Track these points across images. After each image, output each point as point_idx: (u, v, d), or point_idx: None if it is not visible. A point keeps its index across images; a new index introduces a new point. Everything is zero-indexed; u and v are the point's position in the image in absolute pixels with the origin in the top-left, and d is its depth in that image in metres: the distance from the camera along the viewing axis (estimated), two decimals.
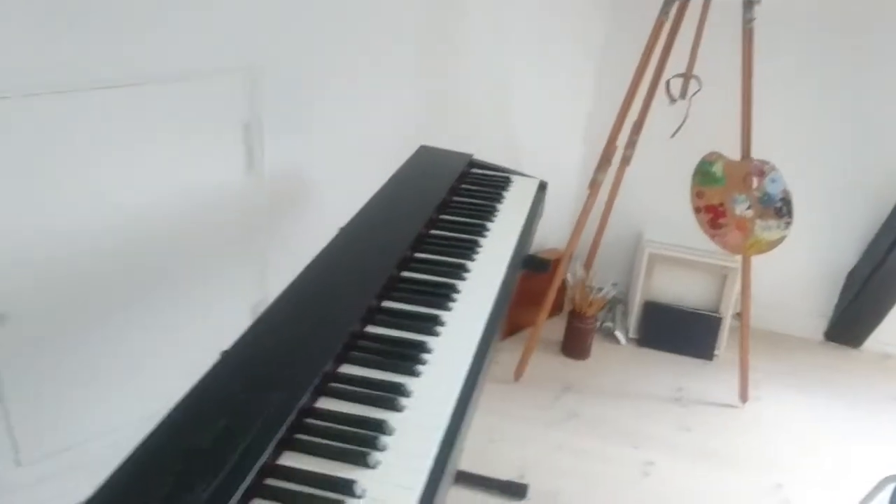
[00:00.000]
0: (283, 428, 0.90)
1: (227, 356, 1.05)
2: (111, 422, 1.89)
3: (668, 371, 2.68)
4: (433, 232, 1.53)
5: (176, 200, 1.84)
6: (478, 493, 2.03)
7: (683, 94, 2.28)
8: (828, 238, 2.81)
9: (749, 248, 2.31)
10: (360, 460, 0.89)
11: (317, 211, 2.20)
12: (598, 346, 2.76)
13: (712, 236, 2.35)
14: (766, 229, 2.26)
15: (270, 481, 0.86)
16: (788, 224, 2.23)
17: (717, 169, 2.27)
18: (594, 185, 2.37)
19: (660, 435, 2.35)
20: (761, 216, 2.25)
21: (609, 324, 2.87)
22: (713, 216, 2.31)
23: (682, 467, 2.22)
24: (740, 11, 2.09)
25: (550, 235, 2.96)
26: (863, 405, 2.60)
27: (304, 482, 0.86)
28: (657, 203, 2.87)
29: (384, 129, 2.29)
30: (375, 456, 0.90)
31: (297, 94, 2.03)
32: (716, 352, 2.77)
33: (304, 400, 0.96)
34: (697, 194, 2.33)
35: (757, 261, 2.38)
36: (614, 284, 2.70)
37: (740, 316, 2.45)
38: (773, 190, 2.22)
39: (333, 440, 0.93)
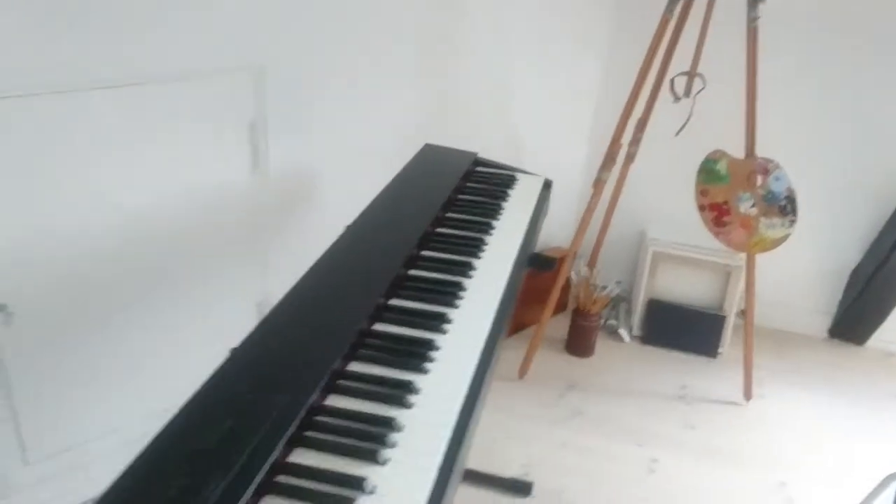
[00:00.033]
0: (294, 425, 0.91)
1: (236, 353, 1.05)
2: (116, 420, 1.90)
3: (672, 369, 2.69)
4: (439, 230, 1.53)
5: (180, 200, 1.85)
6: (483, 490, 2.03)
7: (688, 93, 2.29)
8: (831, 236, 2.81)
9: (753, 246, 2.31)
10: (371, 457, 0.90)
11: (320, 209, 2.20)
12: (601, 344, 2.76)
13: (716, 234, 2.35)
14: (770, 227, 2.26)
15: (281, 478, 0.87)
16: (793, 222, 2.24)
17: (722, 167, 2.28)
18: (598, 184, 2.37)
19: (664, 432, 2.35)
20: (765, 214, 2.26)
21: (613, 322, 2.87)
22: (717, 214, 2.32)
23: (686, 465, 2.22)
24: (744, 10, 2.09)
25: (554, 234, 2.96)
26: (866, 403, 2.60)
27: (314, 479, 0.87)
28: (661, 201, 2.88)
29: (387, 128, 2.29)
30: (385, 453, 0.91)
31: (301, 93, 2.03)
32: (719, 350, 2.77)
33: (313, 397, 0.96)
34: (702, 192, 2.33)
35: (761, 259, 2.38)
36: (618, 282, 2.71)
37: (744, 314, 2.45)
38: (778, 188, 2.22)
39: (343, 437, 0.93)
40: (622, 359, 2.73)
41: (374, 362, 1.09)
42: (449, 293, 1.28)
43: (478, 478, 2.05)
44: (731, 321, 2.75)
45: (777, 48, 2.49)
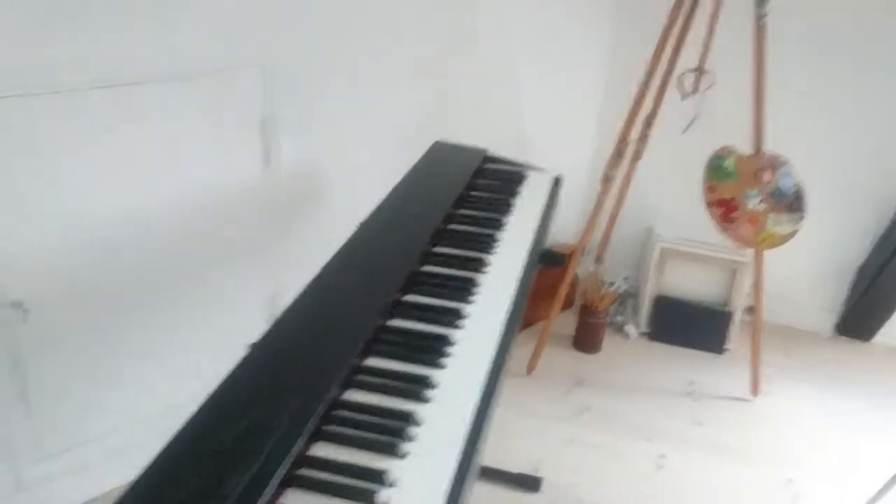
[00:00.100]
0: (314, 419, 0.92)
1: (254, 349, 1.06)
2: (130, 416, 1.91)
3: (680, 365, 2.69)
4: (451, 227, 1.54)
5: (192, 198, 1.86)
6: (492, 485, 2.05)
7: (696, 89, 2.29)
8: (838, 233, 2.82)
9: (761, 242, 2.32)
10: (390, 450, 0.91)
11: (330, 206, 2.21)
12: (609, 341, 2.77)
13: (724, 231, 2.36)
14: (778, 223, 2.27)
15: (303, 471, 0.88)
16: (801, 218, 2.24)
17: (730, 164, 2.28)
18: (606, 181, 2.38)
19: (672, 429, 2.36)
20: (773, 210, 2.26)
21: (620, 318, 2.88)
22: (725, 210, 2.32)
23: (694, 461, 2.23)
24: (752, 6, 2.09)
25: (561, 230, 2.96)
26: (873, 399, 2.61)
27: (335, 472, 0.88)
28: (668, 198, 2.88)
29: (395, 125, 2.30)
30: (405, 446, 0.92)
31: (310, 90, 2.04)
32: (727, 346, 2.78)
33: (332, 392, 0.98)
34: (709, 189, 2.33)
35: (767, 255, 2.38)
36: (626, 279, 2.72)
37: (752, 310, 2.46)
38: (786, 184, 2.22)
39: (363, 431, 0.94)
40: (630, 355, 2.73)
41: (391, 357, 1.10)
42: (463, 289, 1.29)
43: (487, 473, 2.06)
44: (738, 317, 2.75)
45: (785, 44, 2.49)
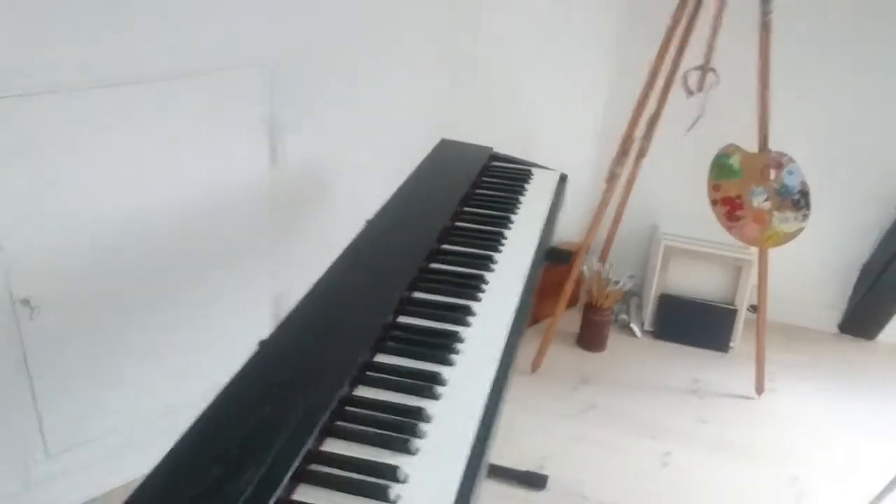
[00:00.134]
0: (325, 415, 0.92)
1: (265, 346, 1.06)
2: (137, 413, 1.92)
3: (684, 363, 2.70)
4: (458, 224, 1.54)
5: (198, 195, 1.86)
6: (498, 483, 2.05)
7: (701, 87, 2.29)
8: (842, 231, 2.82)
9: (766, 240, 2.32)
10: (401, 447, 0.91)
11: (336, 204, 2.22)
12: (613, 339, 2.77)
13: (729, 229, 2.36)
14: (783, 221, 2.27)
15: (315, 467, 0.88)
16: (806, 216, 2.24)
17: (735, 161, 2.28)
18: (611, 178, 2.38)
19: (677, 426, 2.36)
20: (779, 208, 2.26)
21: (624, 316, 2.88)
22: (730, 209, 2.32)
23: (699, 458, 2.23)
24: (757, 4, 2.09)
25: (564, 228, 2.97)
26: (877, 397, 2.61)
27: (347, 468, 0.88)
28: (672, 196, 2.88)
29: (401, 123, 2.30)
30: (415, 443, 0.92)
31: (316, 88, 2.04)
32: (731, 344, 2.78)
33: (343, 388, 0.98)
34: (714, 187, 2.33)
35: (771, 253, 2.39)
36: (631, 276, 2.72)
37: (756, 308, 2.46)
38: (791, 182, 2.23)
39: (374, 427, 0.94)
40: (634, 353, 2.74)
41: (401, 354, 1.10)
42: (471, 286, 1.29)
43: (493, 471, 2.06)
44: (743, 315, 2.75)
45: (790, 42, 2.49)
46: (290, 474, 0.83)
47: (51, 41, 1.52)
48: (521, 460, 2.13)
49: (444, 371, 1.06)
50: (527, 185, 1.78)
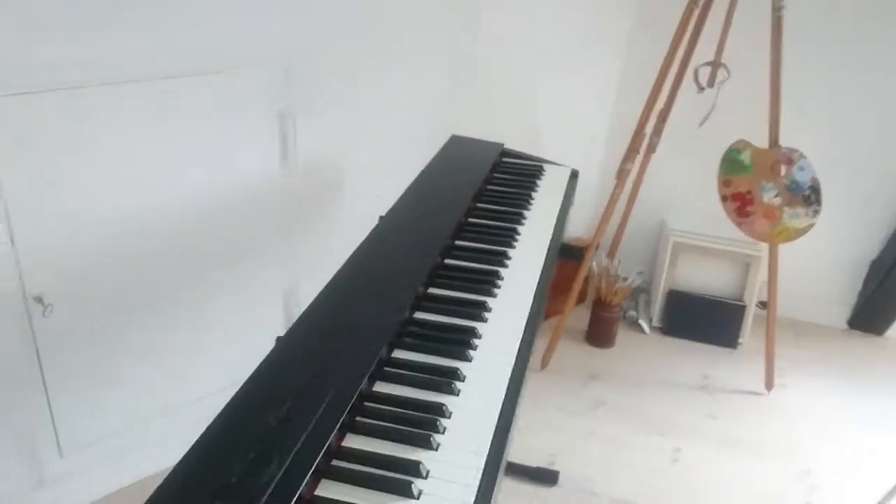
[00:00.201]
0: (345, 411, 0.92)
1: (282, 342, 1.06)
2: (150, 410, 1.92)
3: (693, 359, 2.69)
4: (471, 220, 1.54)
5: (210, 191, 1.86)
6: (510, 479, 2.05)
7: (711, 83, 2.28)
8: (851, 226, 2.81)
9: (777, 236, 2.31)
10: (423, 442, 0.91)
11: (347, 199, 2.22)
12: (622, 335, 2.77)
13: (739, 224, 2.35)
14: (794, 217, 2.26)
15: (336, 463, 0.88)
16: (817, 212, 2.24)
17: (745, 157, 2.28)
18: (622, 174, 2.37)
19: (686, 422, 2.36)
20: (789, 204, 2.26)
21: (632, 313, 2.88)
22: (741, 204, 2.32)
23: (709, 454, 2.23)
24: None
25: (573, 225, 2.96)
26: (887, 393, 2.60)
27: (369, 464, 0.88)
28: (681, 191, 2.88)
29: (411, 119, 2.30)
30: (436, 438, 0.92)
31: (328, 84, 2.04)
32: (740, 340, 2.78)
33: (362, 384, 0.98)
34: (724, 183, 2.33)
35: (781, 249, 2.38)
36: (640, 273, 2.71)
37: (766, 304, 2.46)
38: (802, 178, 2.22)
39: (394, 423, 0.94)
40: (643, 350, 2.73)
41: (418, 350, 1.10)
42: (487, 282, 1.29)
43: (505, 467, 2.06)
44: (752, 311, 2.75)
45: (801, 38, 2.48)
46: (311, 470, 0.83)
47: (79, 38, 1.52)
48: (532, 456, 2.13)
49: (462, 367, 1.06)
50: (538, 182, 1.78)
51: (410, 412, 0.96)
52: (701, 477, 2.14)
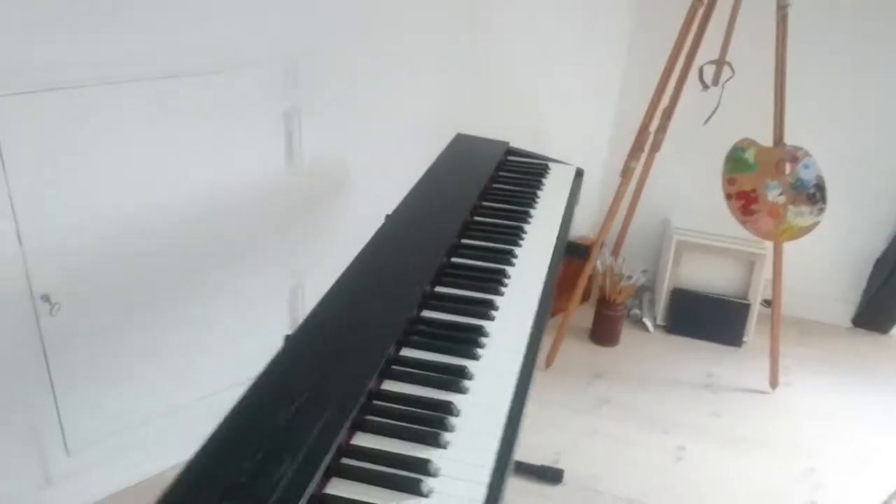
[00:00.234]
0: (355, 409, 0.92)
1: (290, 341, 1.07)
2: (156, 408, 1.93)
3: (697, 358, 2.69)
4: (477, 219, 1.54)
5: (215, 190, 1.86)
6: (514, 478, 2.05)
7: (716, 81, 2.28)
8: (855, 225, 2.81)
9: (781, 234, 2.31)
10: (432, 440, 0.91)
11: (352, 198, 2.22)
12: (626, 334, 2.77)
13: (744, 223, 2.35)
14: (798, 215, 2.26)
15: (346, 461, 0.88)
16: (822, 210, 2.23)
17: (750, 155, 2.28)
18: (626, 172, 2.38)
19: (691, 421, 2.36)
20: (794, 202, 2.26)
21: (636, 311, 2.88)
22: (745, 203, 2.32)
23: (713, 452, 2.23)
24: None
25: (577, 223, 2.96)
26: (891, 391, 2.60)
27: (379, 462, 0.88)
28: (685, 190, 2.88)
29: (417, 118, 2.30)
30: (445, 436, 0.92)
31: (333, 83, 2.04)
32: (744, 338, 2.78)
33: (371, 382, 0.98)
34: (729, 181, 2.33)
35: (785, 247, 2.38)
36: (644, 271, 2.71)
37: (770, 302, 2.46)
38: (807, 176, 2.22)
39: (403, 421, 0.95)
40: (647, 348, 2.73)
41: (427, 349, 1.10)
42: (494, 280, 1.29)
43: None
44: (756, 310, 2.75)
45: (806, 36, 2.48)
46: (322, 468, 0.83)
47: (83, 36, 1.52)
48: (536, 455, 2.14)
49: (470, 365, 1.06)
50: (544, 180, 1.78)
51: (419, 410, 0.96)
52: (705, 475, 2.15)
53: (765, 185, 2.27)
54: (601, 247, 2.56)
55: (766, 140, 2.26)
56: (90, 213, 1.64)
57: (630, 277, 2.65)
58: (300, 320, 2.12)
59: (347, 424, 0.90)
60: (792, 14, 2.12)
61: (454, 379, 1.02)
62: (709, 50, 2.30)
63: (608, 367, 2.61)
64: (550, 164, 1.88)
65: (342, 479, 0.86)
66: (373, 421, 0.95)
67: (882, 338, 2.91)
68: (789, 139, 2.23)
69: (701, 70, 2.30)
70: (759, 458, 2.23)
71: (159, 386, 1.92)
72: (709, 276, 2.80)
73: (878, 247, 2.82)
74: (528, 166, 1.84)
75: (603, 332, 2.72)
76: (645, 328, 2.83)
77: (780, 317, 2.44)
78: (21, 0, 1.42)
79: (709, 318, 2.78)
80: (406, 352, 1.09)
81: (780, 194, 2.26)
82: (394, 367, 1.05)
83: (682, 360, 2.68)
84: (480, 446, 0.93)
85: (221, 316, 1.99)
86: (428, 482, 0.85)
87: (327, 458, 0.84)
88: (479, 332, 1.14)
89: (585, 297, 2.93)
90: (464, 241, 1.44)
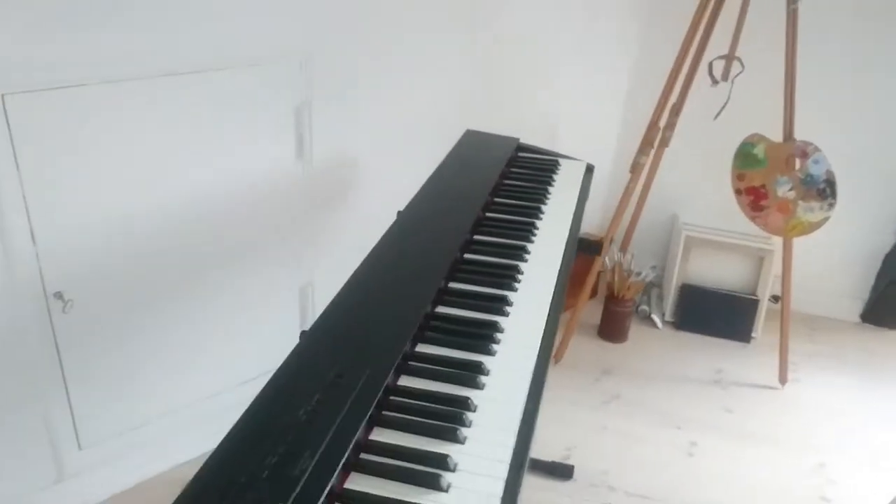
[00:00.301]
0: (372, 405, 0.93)
1: (306, 337, 1.07)
2: (168, 404, 1.93)
3: (706, 353, 2.69)
4: (489, 215, 1.54)
5: (225, 187, 1.86)
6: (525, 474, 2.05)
7: (726, 76, 2.28)
8: (864, 220, 2.80)
9: (791, 229, 2.31)
10: (450, 436, 0.92)
11: (362, 195, 2.22)
12: (634, 330, 2.77)
13: (753, 218, 2.35)
14: (808, 211, 2.26)
15: (365, 456, 0.88)
16: (832, 205, 2.23)
17: (759, 151, 2.27)
18: (636, 168, 2.37)
19: (701, 417, 2.36)
20: (804, 198, 2.25)
21: (645, 307, 2.88)
22: (754, 198, 2.31)
23: (725, 448, 2.23)
24: None
25: (584, 219, 2.96)
26: None
27: (397, 457, 0.88)
28: (693, 186, 2.87)
29: (425, 113, 2.30)
30: (463, 431, 0.93)
31: (345, 80, 2.04)
32: (753, 334, 2.77)
33: (388, 378, 0.98)
34: (738, 177, 2.32)
35: (794, 243, 2.37)
36: (653, 267, 2.71)
37: (779, 298, 2.45)
38: (817, 171, 2.21)
39: (420, 417, 0.95)
40: (656, 344, 2.73)
41: (442, 344, 1.10)
42: (507, 276, 1.30)
43: None
44: (765, 306, 2.74)
45: (815, 32, 2.47)
46: (341, 463, 0.83)
47: (97, 33, 1.53)
48: (546, 451, 2.14)
49: (486, 361, 1.07)
50: (555, 176, 1.78)
51: (436, 406, 0.97)
52: (717, 470, 2.15)
53: (775, 180, 2.27)
54: (611, 242, 2.56)
55: (776, 135, 2.26)
56: (100, 212, 1.64)
57: (639, 273, 2.65)
58: (311, 318, 2.14)
59: (365, 420, 0.90)
60: (803, 10, 2.11)
61: (470, 374, 1.03)
62: (718, 45, 2.29)
63: (617, 363, 2.61)
64: (561, 160, 1.88)
65: (361, 474, 0.86)
66: (391, 416, 0.95)
67: (891, 333, 2.90)
68: (799, 134, 2.22)
69: (711, 65, 2.30)
70: (769, 453, 2.23)
71: (171, 382, 1.92)
72: (717, 272, 2.80)
73: (886, 242, 2.81)
74: (538, 162, 1.84)
75: (611, 329, 2.72)
76: (653, 324, 2.83)
77: (790, 313, 2.44)
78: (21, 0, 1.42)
79: (717, 315, 2.77)
80: (422, 347, 1.10)
81: (790, 190, 2.26)
82: (410, 362, 1.06)
83: (690, 356, 2.68)
84: (498, 441, 0.93)
85: (232, 314, 1.99)
86: (447, 477, 0.85)
87: (346, 453, 0.84)
88: (494, 327, 1.14)
89: (594, 294, 2.93)
90: (476, 237, 1.44)
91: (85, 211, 1.61)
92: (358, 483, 0.85)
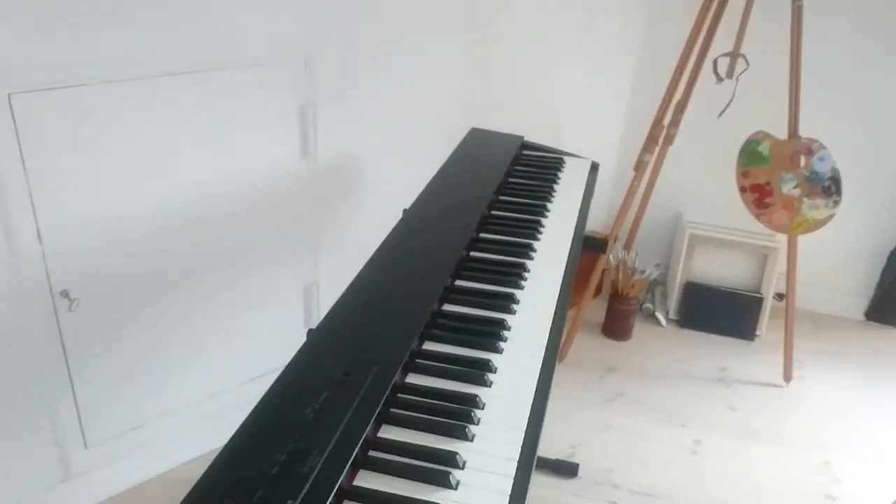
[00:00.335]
0: (380, 403, 0.93)
1: (313, 336, 1.07)
2: (173, 402, 1.93)
3: (711, 351, 2.69)
4: (495, 213, 1.54)
5: (230, 186, 1.87)
6: None
7: (730, 74, 2.27)
8: (869, 218, 2.80)
9: (796, 227, 2.31)
10: (458, 433, 0.92)
11: (367, 194, 2.22)
12: (638, 328, 2.77)
13: (758, 216, 2.35)
14: (813, 208, 2.25)
15: (373, 454, 0.88)
16: (837, 203, 2.23)
17: (764, 148, 2.27)
18: (640, 166, 2.37)
19: (705, 414, 2.36)
20: (809, 195, 2.25)
21: (649, 305, 2.88)
22: (759, 196, 2.31)
23: (730, 446, 2.23)
24: None
25: (589, 217, 2.96)
26: None
27: (406, 454, 0.88)
28: (697, 183, 2.87)
29: (429, 111, 2.30)
30: (471, 429, 0.93)
31: (349, 79, 2.04)
32: (757, 332, 2.77)
33: (396, 376, 0.98)
34: (743, 174, 2.32)
35: (798, 240, 2.37)
36: (657, 265, 2.71)
37: (784, 296, 2.45)
38: (822, 168, 2.21)
39: (429, 414, 0.95)
40: (660, 342, 2.73)
41: (449, 342, 1.10)
42: (514, 274, 1.30)
43: None
44: (769, 303, 2.74)
45: (816, 32, 2.47)
46: (350, 460, 0.83)
47: (100, 33, 1.53)
48: (551, 448, 2.14)
49: (493, 358, 1.07)
50: (559, 174, 1.78)
51: (444, 403, 0.97)
52: (720, 469, 2.15)
53: (779, 177, 2.27)
54: (615, 240, 2.56)
55: (781, 133, 2.25)
56: (103, 212, 1.65)
57: (643, 271, 2.65)
58: (317, 317, 2.14)
59: (374, 417, 0.90)
60: (807, 7, 2.11)
61: (478, 372, 1.03)
62: (723, 42, 2.29)
63: (621, 361, 2.61)
64: (565, 158, 1.88)
65: (370, 472, 0.86)
66: (399, 414, 0.95)
67: (895, 331, 2.90)
68: (804, 132, 2.22)
69: (715, 62, 2.29)
70: (774, 451, 2.23)
71: (177, 381, 1.92)
72: (722, 269, 2.80)
73: (892, 240, 2.81)
74: (543, 160, 1.84)
75: (615, 326, 2.72)
76: (657, 322, 2.83)
77: (794, 310, 2.44)
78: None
79: (721, 312, 2.77)
80: (429, 345, 1.10)
81: (795, 187, 2.26)
82: (418, 360, 1.06)
83: (694, 353, 2.68)
84: (506, 439, 0.93)
85: (238, 313, 1.99)
86: (456, 474, 0.85)
87: (355, 451, 0.84)
88: (501, 325, 1.15)
89: (598, 292, 2.93)
90: (482, 234, 1.44)
91: (86, 210, 1.62)
92: (367, 480, 0.85)
